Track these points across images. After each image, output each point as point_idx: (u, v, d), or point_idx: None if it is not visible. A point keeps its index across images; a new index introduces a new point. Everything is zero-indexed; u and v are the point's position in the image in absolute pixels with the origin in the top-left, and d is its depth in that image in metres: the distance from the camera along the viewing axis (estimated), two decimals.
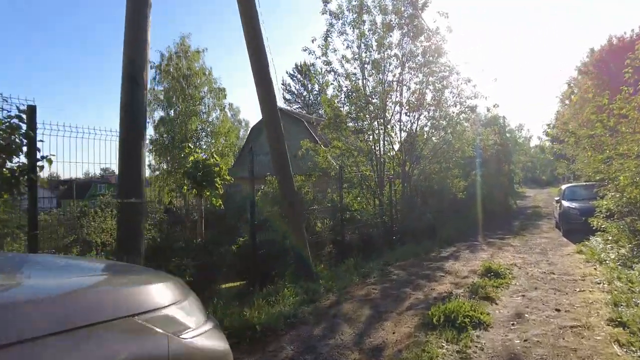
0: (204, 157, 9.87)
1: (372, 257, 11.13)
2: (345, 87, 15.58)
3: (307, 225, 10.63)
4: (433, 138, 16.68)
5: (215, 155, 10.67)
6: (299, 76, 33.98)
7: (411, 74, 15.97)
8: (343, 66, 15.55)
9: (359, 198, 15.55)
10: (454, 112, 16.14)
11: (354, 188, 15.42)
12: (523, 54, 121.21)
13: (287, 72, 47.21)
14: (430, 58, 15.51)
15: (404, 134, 16.24)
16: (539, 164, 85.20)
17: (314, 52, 15.23)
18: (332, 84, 16.00)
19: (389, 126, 16.13)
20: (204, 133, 42.61)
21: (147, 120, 36.97)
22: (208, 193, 9.47)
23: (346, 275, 8.34)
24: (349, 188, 15.53)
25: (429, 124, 16.30)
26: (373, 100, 15.54)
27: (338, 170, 14.95)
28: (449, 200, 16.99)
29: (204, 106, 42.81)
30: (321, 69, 16.00)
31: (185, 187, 10.40)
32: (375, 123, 15.84)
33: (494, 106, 15.91)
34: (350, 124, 15.76)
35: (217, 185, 9.07)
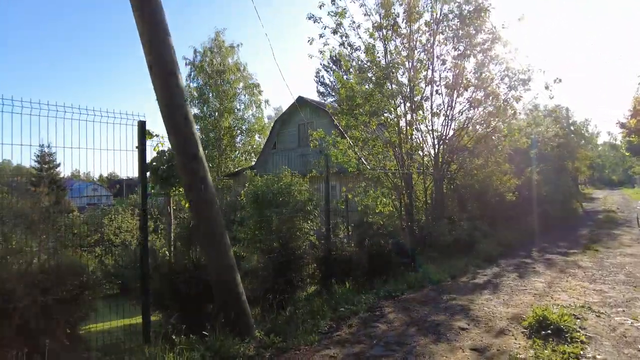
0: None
1: (375, 281, 7.97)
2: (361, 61, 12.43)
3: (290, 236, 7.74)
4: (476, 125, 13.02)
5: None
6: (334, 67, 30.86)
7: (446, 44, 12.50)
8: (360, 37, 12.42)
9: (383, 199, 12.38)
10: (500, 90, 12.43)
11: (374, 188, 12.24)
12: (593, 48, 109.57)
13: (321, 64, 44.21)
14: (469, 22, 11.94)
15: (437, 121, 12.77)
16: (608, 162, 75.73)
17: (320, 19, 12.19)
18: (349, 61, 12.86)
19: (420, 111, 12.78)
20: (238, 130, 40.86)
21: None
22: (175, 192, 6.96)
23: (306, 324, 5.24)
24: (371, 187, 12.42)
25: (469, 106, 12.70)
26: (397, 76, 12.26)
27: (355, 165, 12.02)
28: (495, 202, 13.25)
29: (239, 103, 41.28)
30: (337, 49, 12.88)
31: (152, 186, 7.90)
32: (402, 106, 12.55)
33: (555, 82, 11.87)
34: (368, 108, 12.56)
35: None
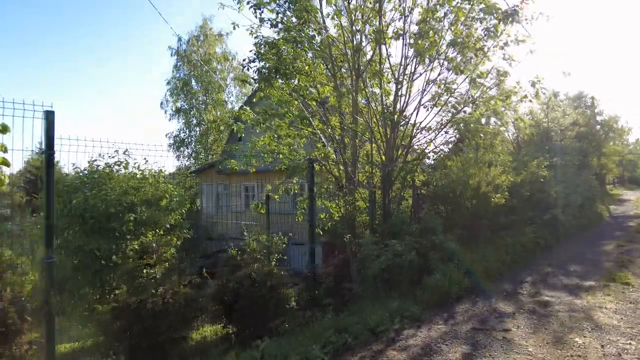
0: None
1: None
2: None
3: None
4: (449, 97, 8.86)
5: None
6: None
7: None
8: None
9: (325, 202, 8.66)
10: (486, 49, 8.24)
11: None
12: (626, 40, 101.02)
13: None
14: None
15: (391, 93, 8.69)
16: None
17: None
18: None
19: (370, 80, 8.83)
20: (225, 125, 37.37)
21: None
22: None
23: None
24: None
25: (442, 75, 8.55)
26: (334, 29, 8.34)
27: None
28: (474, 207, 9.02)
29: (229, 95, 37.82)
30: None
31: None
32: (343, 70, 8.62)
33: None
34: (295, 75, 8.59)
35: None
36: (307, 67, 7.64)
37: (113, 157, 6.48)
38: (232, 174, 21.26)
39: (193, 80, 34.64)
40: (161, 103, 34.52)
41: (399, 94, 8.60)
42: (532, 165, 12.62)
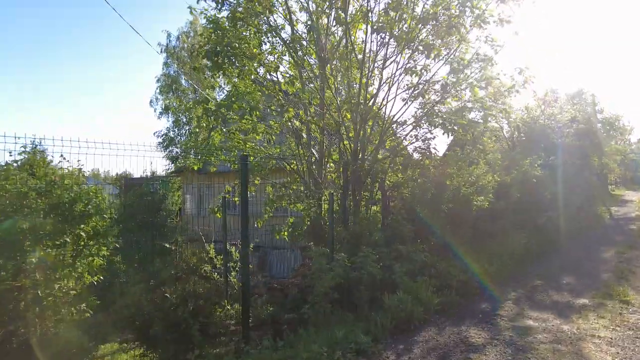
0: None
1: None
2: None
3: None
4: (425, 86, 7.77)
5: None
6: None
7: None
8: None
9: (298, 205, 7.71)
10: (463, 30, 7.17)
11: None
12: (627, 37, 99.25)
13: None
14: None
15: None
16: None
17: None
18: None
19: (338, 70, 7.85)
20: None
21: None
22: None
23: None
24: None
25: (417, 61, 7.48)
26: None
27: None
28: (453, 211, 7.87)
29: (221, 92, 36.78)
30: None
31: None
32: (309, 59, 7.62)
33: None
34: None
35: None
36: (254, 50, 6.59)
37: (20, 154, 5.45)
38: (214, 175, 20.28)
39: (182, 78, 33.64)
40: (150, 101, 33.54)
41: (368, 82, 7.56)
42: (525, 164, 11.51)
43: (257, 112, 6.95)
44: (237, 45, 6.34)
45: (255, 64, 6.94)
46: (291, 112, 7.24)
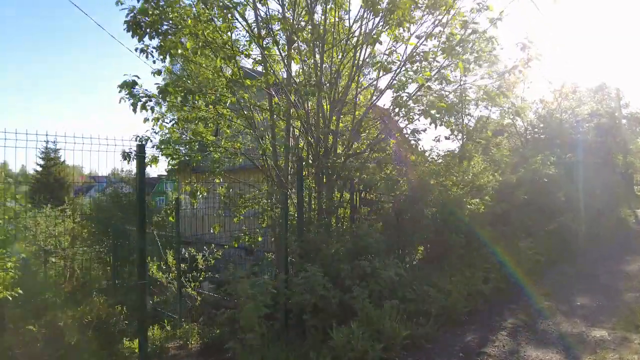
0: None
1: None
2: None
3: None
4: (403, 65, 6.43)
5: None
6: None
7: None
8: None
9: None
10: None
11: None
12: None
13: None
14: None
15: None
16: None
17: None
18: None
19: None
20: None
21: None
22: None
23: None
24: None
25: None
26: None
27: None
28: (450, 216, 6.46)
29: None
30: None
31: None
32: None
33: None
34: None
35: None
36: (189, 21, 5.39)
37: None
38: (209, 173, 19.30)
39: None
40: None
41: (342, 64, 6.29)
42: (536, 162, 10.00)
43: (199, 97, 5.77)
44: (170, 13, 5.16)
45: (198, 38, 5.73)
46: (243, 94, 6.00)
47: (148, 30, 5.17)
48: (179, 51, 5.88)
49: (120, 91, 5.56)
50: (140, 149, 3.92)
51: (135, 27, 5.08)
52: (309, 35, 6.36)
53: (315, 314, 4.67)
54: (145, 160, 4.08)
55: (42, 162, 42.18)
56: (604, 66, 62.54)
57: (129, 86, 5.42)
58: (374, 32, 5.73)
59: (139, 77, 5.59)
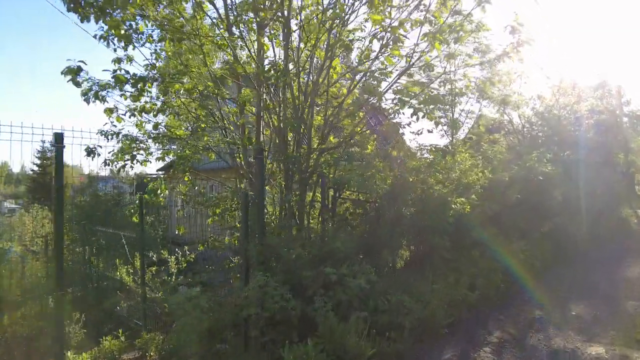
0: None
1: None
2: None
3: None
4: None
5: None
6: None
7: None
8: None
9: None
10: None
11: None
12: None
13: None
14: None
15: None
16: None
17: None
18: None
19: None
20: None
21: None
22: None
23: None
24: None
25: None
26: None
27: None
28: (433, 217, 5.86)
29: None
30: None
31: None
32: None
33: None
34: None
35: None
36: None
37: None
38: (200, 171, 18.77)
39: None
40: None
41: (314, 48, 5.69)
42: (531, 159, 9.40)
43: (151, 84, 5.20)
44: None
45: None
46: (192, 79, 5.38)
47: (88, 8, 4.57)
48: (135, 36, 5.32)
49: (66, 78, 4.97)
50: (58, 138, 3.34)
51: (74, 3, 4.49)
52: (279, 18, 5.79)
53: (273, 327, 4.11)
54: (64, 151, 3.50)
55: (38, 162, 41.68)
56: (605, 64, 61.72)
57: (73, 72, 4.85)
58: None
59: (85, 63, 5.01)
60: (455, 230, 6.25)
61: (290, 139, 5.24)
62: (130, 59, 5.51)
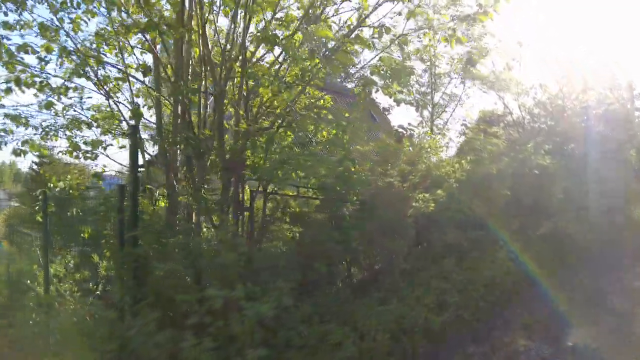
0: None
1: None
2: None
3: None
4: None
5: None
6: None
7: None
8: None
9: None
10: None
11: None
12: None
13: None
14: None
15: None
16: None
17: None
18: None
19: None
20: None
21: None
22: None
23: None
24: None
25: None
26: None
27: None
28: (391, 217, 4.58)
29: None
30: None
31: None
32: None
33: None
34: None
35: None
36: None
37: None
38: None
39: None
40: None
41: None
42: (526, 150, 8.03)
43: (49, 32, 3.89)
44: None
45: None
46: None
47: None
48: None
49: None
50: None
51: None
52: None
53: None
54: None
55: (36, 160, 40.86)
56: (614, 56, 59.41)
57: None
58: None
59: None
60: (420, 235, 4.93)
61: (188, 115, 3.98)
62: None
